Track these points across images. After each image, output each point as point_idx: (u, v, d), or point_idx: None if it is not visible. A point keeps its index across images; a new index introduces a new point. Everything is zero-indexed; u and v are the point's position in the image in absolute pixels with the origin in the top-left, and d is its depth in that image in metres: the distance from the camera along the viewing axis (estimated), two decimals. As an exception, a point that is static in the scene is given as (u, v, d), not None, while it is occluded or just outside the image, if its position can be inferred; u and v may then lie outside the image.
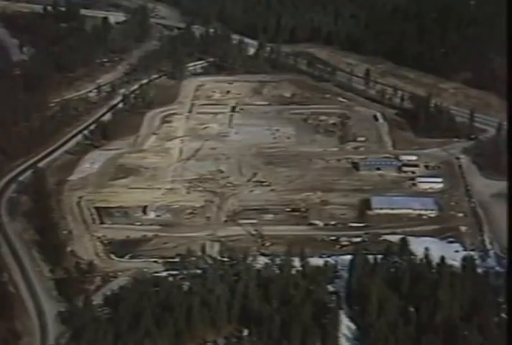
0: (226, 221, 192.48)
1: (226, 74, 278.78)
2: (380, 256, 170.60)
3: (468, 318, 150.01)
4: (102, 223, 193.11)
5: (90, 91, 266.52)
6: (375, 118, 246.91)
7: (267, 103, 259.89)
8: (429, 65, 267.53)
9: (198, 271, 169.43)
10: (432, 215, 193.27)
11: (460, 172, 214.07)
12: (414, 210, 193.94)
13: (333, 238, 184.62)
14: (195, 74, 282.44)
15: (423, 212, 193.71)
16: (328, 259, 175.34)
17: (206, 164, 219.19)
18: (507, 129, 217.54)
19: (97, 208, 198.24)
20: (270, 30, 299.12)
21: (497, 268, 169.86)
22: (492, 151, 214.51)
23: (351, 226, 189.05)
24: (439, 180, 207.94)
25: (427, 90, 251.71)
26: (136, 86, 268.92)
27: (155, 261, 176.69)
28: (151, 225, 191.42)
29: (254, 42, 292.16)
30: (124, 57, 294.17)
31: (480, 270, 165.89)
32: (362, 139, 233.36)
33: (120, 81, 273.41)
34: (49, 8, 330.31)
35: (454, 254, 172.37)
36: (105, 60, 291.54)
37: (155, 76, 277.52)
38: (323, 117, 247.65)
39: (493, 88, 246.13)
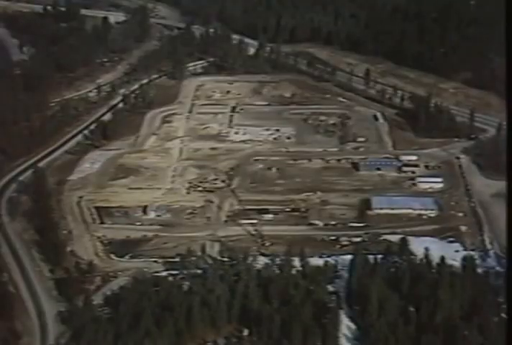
0: (226, 221, 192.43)
1: (226, 74, 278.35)
2: (380, 256, 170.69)
3: (468, 318, 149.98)
4: (102, 223, 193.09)
5: (90, 91, 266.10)
6: (375, 118, 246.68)
7: (267, 103, 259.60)
8: (429, 64, 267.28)
9: (198, 271, 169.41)
10: (432, 215, 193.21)
11: (460, 171, 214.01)
12: (414, 210, 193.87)
13: (333, 238, 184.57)
14: (195, 74, 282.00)
15: (423, 212, 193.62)
16: (328, 259, 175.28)
17: (206, 164, 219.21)
18: (507, 129, 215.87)
19: (97, 208, 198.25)
20: (270, 30, 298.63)
21: (497, 268, 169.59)
22: (492, 151, 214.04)
23: (351, 226, 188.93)
24: (439, 179, 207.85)
25: (427, 90, 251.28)
26: (136, 86, 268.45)
27: (155, 261, 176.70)
28: (151, 225, 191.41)
29: (254, 42, 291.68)
30: (124, 57, 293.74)
31: (480, 270, 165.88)
32: (362, 139, 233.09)
33: (120, 81, 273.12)
34: (49, 8, 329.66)
35: (454, 254, 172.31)
36: (105, 59, 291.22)
37: (155, 76, 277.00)
38: (323, 117, 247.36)
39: (493, 88, 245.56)
